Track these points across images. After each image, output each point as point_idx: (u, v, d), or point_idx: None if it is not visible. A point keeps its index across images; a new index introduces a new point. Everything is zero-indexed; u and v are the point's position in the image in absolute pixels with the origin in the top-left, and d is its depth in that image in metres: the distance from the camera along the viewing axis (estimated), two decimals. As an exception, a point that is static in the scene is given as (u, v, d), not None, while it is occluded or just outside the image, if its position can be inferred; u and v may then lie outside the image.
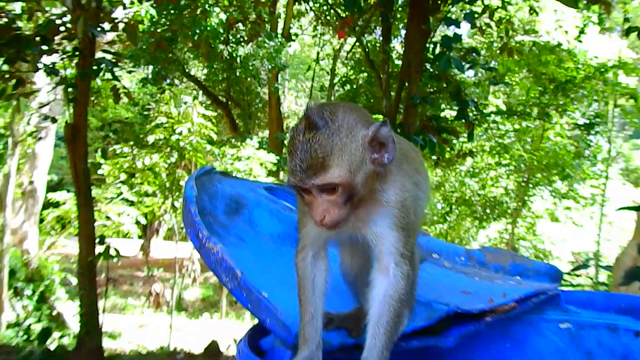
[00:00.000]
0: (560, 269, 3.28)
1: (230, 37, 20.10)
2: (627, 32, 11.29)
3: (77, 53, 11.69)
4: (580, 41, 20.26)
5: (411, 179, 2.31)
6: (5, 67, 11.37)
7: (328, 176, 2.03)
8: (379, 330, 2.13)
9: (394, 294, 2.18)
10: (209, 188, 2.89)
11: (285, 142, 22.89)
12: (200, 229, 2.41)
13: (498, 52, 16.92)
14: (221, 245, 2.34)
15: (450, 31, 11.16)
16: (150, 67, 21.20)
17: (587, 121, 23.49)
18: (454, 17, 11.39)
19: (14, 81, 11.73)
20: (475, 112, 13.37)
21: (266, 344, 2.47)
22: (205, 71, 23.56)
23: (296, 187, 2.10)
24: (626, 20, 14.71)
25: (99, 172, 22.35)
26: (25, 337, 17.65)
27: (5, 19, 11.11)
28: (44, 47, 11.10)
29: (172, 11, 18.13)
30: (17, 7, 12.61)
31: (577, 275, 10.44)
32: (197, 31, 17.90)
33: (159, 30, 18.29)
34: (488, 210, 25.17)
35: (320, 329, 2.23)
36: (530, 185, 24.71)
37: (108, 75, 12.39)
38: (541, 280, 3.18)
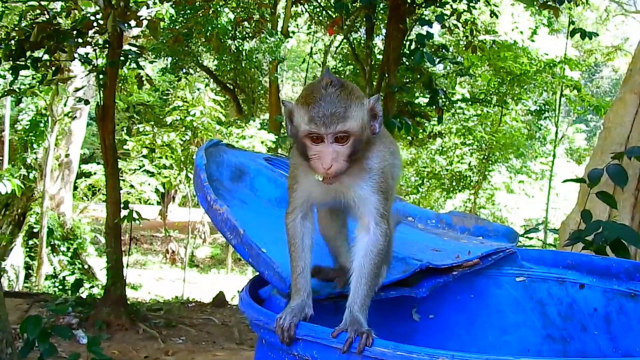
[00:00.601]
0: (516, 231, 3.28)
1: (237, 34, 20.01)
2: (571, 33, 11.28)
3: (107, 45, 11.65)
4: (533, 40, 20.29)
5: (388, 149, 2.29)
6: (46, 57, 11.32)
7: (348, 124, 2.02)
8: (361, 281, 2.11)
9: (374, 249, 2.15)
10: (216, 157, 2.86)
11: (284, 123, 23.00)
12: (208, 193, 2.38)
13: (464, 48, 16.83)
14: (226, 206, 2.31)
15: (424, 30, 11.07)
16: (169, 59, 21.13)
17: (538, 108, 23.58)
18: (427, 18, 11.30)
19: (53, 69, 11.71)
20: (444, 100, 13.33)
21: (264, 293, 2.45)
22: (215, 62, 23.44)
23: (313, 135, 2.05)
24: (571, 23, 14.73)
25: (125, 147, 22.34)
26: (61, 287, 17.68)
27: (47, 16, 11.04)
28: (79, 40, 11.06)
29: (188, 11, 18.05)
30: (57, 6, 12.61)
31: (529, 238, 10.48)
32: (209, 28, 17.86)
33: (177, 27, 18.22)
34: (454, 183, 25.21)
35: (309, 280, 2.21)
36: (490, 162, 24.74)
37: (133, 65, 12.36)
38: (500, 240, 3.17)
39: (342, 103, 2.03)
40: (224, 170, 2.88)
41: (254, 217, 2.65)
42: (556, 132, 24.53)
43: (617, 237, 4.43)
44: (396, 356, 1.71)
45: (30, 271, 18.82)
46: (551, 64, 21.03)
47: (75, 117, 19.53)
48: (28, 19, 11.46)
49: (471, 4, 13.47)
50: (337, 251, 2.57)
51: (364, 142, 2.11)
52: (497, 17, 14.23)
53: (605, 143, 5.58)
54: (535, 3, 11.02)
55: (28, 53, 10.81)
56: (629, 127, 5.43)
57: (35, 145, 19.38)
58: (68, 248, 19.42)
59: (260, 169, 3.06)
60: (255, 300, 2.26)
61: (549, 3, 10.50)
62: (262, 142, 21.03)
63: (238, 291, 2.54)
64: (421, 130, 18.16)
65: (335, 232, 2.54)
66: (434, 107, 12.38)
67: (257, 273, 2.33)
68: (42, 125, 19.12)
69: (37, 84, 13.56)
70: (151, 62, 20.33)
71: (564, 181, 5.30)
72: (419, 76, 12.86)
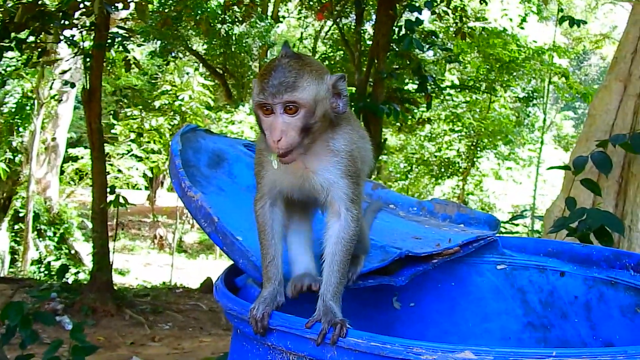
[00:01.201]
0: (497, 218, 3.26)
1: (227, 18, 19.84)
2: (560, 21, 11.26)
3: (93, 27, 11.56)
4: (522, 28, 20.26)
5: (357, 132, 2.24)
6: (31, 39, 11.22)
7: (296, 94, 1.97)
8: (333, 268, 2.07)
9: (345, 235, 2.11)
10: (193, 143, 2.81)
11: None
12: (183, 179, 2.35)
13: (453, 35, 16.82)
14: (200, 193, 2.27)
15: (413, 16, 11.04)
16: (158, 42, 20.96)
17: (527, 95, 23.61)
18: (416, 4, 11.27)
19: (39, 51, 11.61)
20: (433, 86, 13.34)
21: (240, 282, 2.42)
22: (205, 46, 23.28)
23: (262, 105, 2.00)
24: (560, 10, 14.73)
25: (112, 131, 22.27)
26: (46, 272, 17.61)
27: (32, -4, 10.92)
28: (65, 22, 10.94)
29: (177, -7, 17.92)
30: (43, -14, 12.47)
31: (516, 225, 10.51)
32: (199, 12, 17.72)
33: (166, 10, 18.06)
34: (443, 169, 25.25)
35: (280, 267, 2.16)
36: (479, 149, 24.79)
37: (121, 48, 12.28)
38: (482, 227, 3.15)
39: (292, 73, 1.99)
40: (201, 156, 2.84)
41: (231, 204, 2.61)
42: (544, 119, 24.62)
43: (601, 224, 4.44)
44: (370, 347, 1.69)
45: (15, 256, 18.75)
46: (540, 52, 21.07)
47: (62, 100, 19.42)
48: (13, -1, 11.32)
49: (461, -9, 13.48)
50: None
51: (320, 118, 2.04)
52: (486, 4, 14.20)
53: (590, 130, 5.58)
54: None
55: (13, 34, 10.66)
56: (614, 114, 5.43)
57: (21, 129, 19.27)
58: (54, 233, 19.36)
59: (239, 155, 3.02)
60: (231, 289, 2.23)
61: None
62: (251, 128, 20.99)
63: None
64: (410, 117, 18.16)
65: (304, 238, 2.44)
66: (423, 93, 12.39)
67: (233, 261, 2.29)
68: (28, 108, 18.99)
69: (22, 66, 13.43)
70: (139, 45, 20.23)
71: (549, 168, 5.31)
72: (408, 62, 12.84)
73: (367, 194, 3.24)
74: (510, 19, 20.02)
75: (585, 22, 11.46)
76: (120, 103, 23.98)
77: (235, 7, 18.90)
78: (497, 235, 3.07)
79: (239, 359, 2.06)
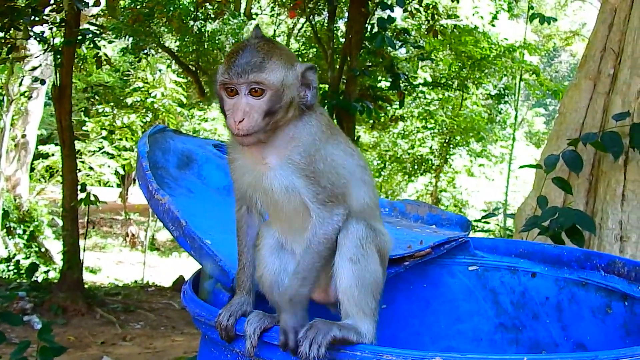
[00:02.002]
0: (469, 219, 3.26)
1: (200, 15, 19.72)
2: (531, 18, 11.35)
3: (63, 24, 11.46)
4: (493, 25, 20.39)
5: (324, 133, 2.04)
6: (0, 35, 11.09)
7: (263, 75, 1.88)
8: (296, 271, 1.97)
9: (311, 238, 1.97)
10: (162, 144, 2.76)
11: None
12: (150, 181, 2.29)
13: (425, 33, 16.89)
14: (168, 197, 2.22)
15: (385, 14, 11.05)
16: (130, 39, 20.80)
17: (498, 92, 23.75)
18: (388, 2, 11.28)
19: (8, 47, 11.48)
20: (405, 83, 13.38)
21: (209, 287, 2.37)
22: (177, 43, 23.16)
23: (226, 85, 1.91)
24: (530, 8, 14.84)
25: (84, 128, 22.09)
26: (16, 271, 17.39)
27: (1, -8, 10.80)
28: (35, 18, 10.81)
29: (149, -11, 17.80)
30: (12, -17, 12.35)
31: (488, 222, 10.55)
32: (171, 8, 17.66)
33: (137, 6, 17.93)
34: (416, 167, 25.34)
35: (251, 276, 2.10)
36: (451, 146, 24.94)
37: (92, 45, 12.17)
38: (453, 228, 3.15)
39: (261, 54, 1.91)
40: (170, 158, 2.79)
41: (200, 206, 2.57)
42: (515, 116, 24.75)
43: (572, 223, 4.45)
44: (340, 355, 1.67)
45: (-16, 255, 18.50)
46: (511, 49, 21.20)
47: (32, 97, 19.26)
48: (-19, -5, 11.18)
49: (432, -12, 13.53)
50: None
51: (286, 105, 1.94)
52: (458, 1, 14.28)
53: (560, 128, 5.60)
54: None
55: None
56: (584, 112, 5.45)
57: (-10, 125, 19.04)
58: (24, 231, 19.15)
59: (208, 156, 2.97)
60: (199, 294, 2.19)
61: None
62: (224, 125, 20.90)
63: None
64: (383, 114, 18.17)
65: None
66: (396, 90, 12.41)
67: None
68: (-3, 104, 18.78)
69: (-9, 62, 13.28)
70: (110, 42, 20.06)
71: (521, 167, 5.33)
72: (381, 60, 12.88)
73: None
74: (482, 17, 20.13)
75: (555, 20, 11.58)
76: (92, 100, 23.72)
77: (208, 4, 18.77)
78: (469, 236, 3.06)
79: (207, 366, 2.03)
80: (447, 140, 24.66)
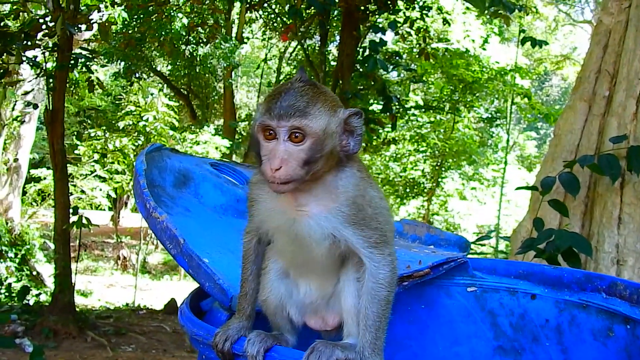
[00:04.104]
0: (468, 240, 3.24)
1: (191, 39, 19.76)
2: (522, 42, 11.42)
3: (56, 48, 11.48)
4: (484, 49, 20.51)
5: (366, 180, 1.98)
6: (-7, 60, 11.12)
7: (305, 121, 1.77)
8: (366, 323, 1.88)
9: (373, 285, 1.91)
10: (159, 162, 2.72)
11: (239, 129, 22.87)
12: (147, 200, 2.26)
13: (417, 56, 16.96)
14: (166, 215, 2.19)
15: (377, 37, 11.12)
16: (122, 63, 20.83)
17: (490, 116, 23.88)
18: (380, 25, 11.34)
19: (1, 71, 11.48)
20: (397, 106, 13.41)
21: (206, 306, 2.34)
22: (169, 67, 23.21)
23: (265, 127, 1.81)
24: (522, 31, 14.94)
25: (76, 152, 22.06)
26: (7, 294, 17.27)
27: (-6, 18, 10.86)
28: (28, 43, 10.87)
29: (141, 15, 17.83)
30: (5, 8, 12.44)
31: (482, 245, 10.54)
32: (163, 33, 17.69)
33: (129, 31, 17.98)
34: (408, 190, 25.37)
35: (253, 304, 2.06)
36: (443, 169, 25.00)
37: (84, 69, 12.19)
38: (452, 249, 3.12)
39: (304, 98, 1.81)
40: (167, 176, 2.75)
41: (197, 225, 2.54)
42: (507, 140, 24.89)
43: (569, 245, 4.43)
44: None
45: (-25, 278, 18.36)
46: (502, 72, 21.33)
47: (24, 121, 19.24)
48: (-26, 20, 11.22)
49: (424, 12, 13.61)
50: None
51: (327, 154, 1.84)
52: (449, 24, 14.39)
53: (555, 151, 5.59)
54: (486, 11, 11.13)
55: (-26, 56, 10.56)
56: (579, 134, 5.45)
57: (-18, 150, 19.00)
58: (16, 254, 19.01)
59: (205, 175, 2.95)
60: (197, 313, 2.15)
61: (499, 12, 10.58)
62: (216, 148, 20.94)
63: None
64: (375, 137, 18.20)
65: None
66: (388, 113, 12.44)
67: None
68: (-12, 129, 18.74)
69: (-16, 87, 13.29)
70: (102, 66, 20.10)
71: (517, 189, 5.30)
72: (372, 83, 12.90)
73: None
74: (473, 40, 20.26)
75: (546, 43, 11.65)
76: (84, 124, 23.76)
77: (200, 28, 18.88)
78: (467, 257, 3.03)
79: (206, 388, 1.99)
80: (439, 163, 24.72)
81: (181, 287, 22.88)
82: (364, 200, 1.92)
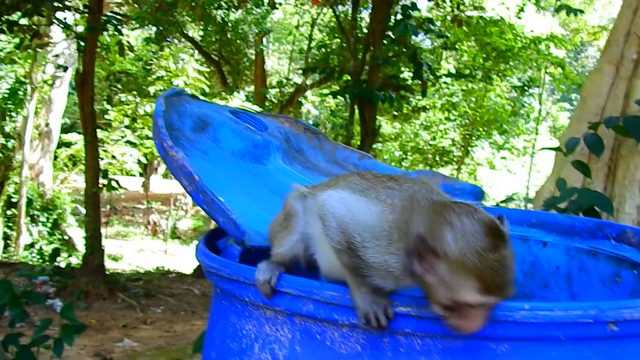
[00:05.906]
0: (482, 189, 3.27)
1: (223, 4, 19.79)
2: (558, 10, 11.28)
3: (86, 10, 11.55)
4: (519, 17, 20.26)
5: None
6: (23, 21, 11.20)
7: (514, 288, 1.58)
8: None
9: None
10: (178, 107, 2.78)
11: (269, 96, 22.84)
12: (165, 139, 2.32)
13: (450, 23, 16.85)
14: (182, 153, 2.24)
15: (410, 1, 11.08)
16: (153, 28, 20.93)
17: (522, 85, 23.60)
18: (414, -9, 11.27)
19: (31, 34, 11.59)
20: (428, 74, 13.32)
21: (221, 245, 2.40)
22: (200, 33, 23.27)
23: (483, 305, 1.56)
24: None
25: (106, 117, 22.26)
26: (39, 257, 17.64)
27: (24, -23, 10.88)
28: (58, 4, 10.88)
29: (173, -21, 17.87)
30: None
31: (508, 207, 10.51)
32: (195, -3, 17.72)
33: (161, -5, 18.03)
34: (437, 158, 25.28)
35: (286, 260, 2.01)
36: (473, 138, 24.84)
37: (115, 32, 12.26)
38: (466, 198, 3.14)
39: (512, 266, 1.59)
40: (185, 120, 2.80)
41: (214, 168, 2.59)
42: (540, 110, 24.61)
43: (591, 204, 4.45)
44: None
45: (8, 241, 18.74)
46: (537, 41, 21.04)
47: (55, 85, 19.42)
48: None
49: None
50: None
51: None
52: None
53: (581, 113, 5.57)
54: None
55: (4, 17, 10.63)
56: (605, 97, 5.42)
57: (14, 114, 19.25)
58: (47, 219, 19.38)
59: (224, 121, 2.99)
60: (213, 252, 2.23)
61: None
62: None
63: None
64: (405, 104, 18.16)
65: None
66: (419, 80, 12.41)
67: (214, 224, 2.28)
68: (21, 93, 18.95)
69: (15, 49, 13.40)
70: (133, 30, 20.19)
71: (541, 149, 5.31)
72: (404, 50, 12.85)
73: (354, 164, 3.24)
74: (508, 8, 20.04)
75: (582, 12, 11.51)
76: (114, 88, 23.93)
77: (232, -7, 18.91)
78: (482, 205, 3.08)
79: (219, 317, 2.07)
80: (469, 132, 24.58)
81: (210, 253, 23.16)
82: None
